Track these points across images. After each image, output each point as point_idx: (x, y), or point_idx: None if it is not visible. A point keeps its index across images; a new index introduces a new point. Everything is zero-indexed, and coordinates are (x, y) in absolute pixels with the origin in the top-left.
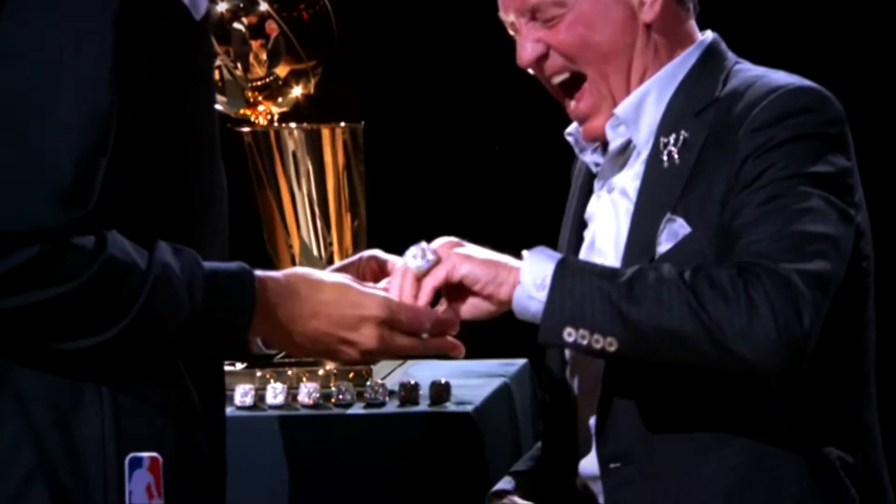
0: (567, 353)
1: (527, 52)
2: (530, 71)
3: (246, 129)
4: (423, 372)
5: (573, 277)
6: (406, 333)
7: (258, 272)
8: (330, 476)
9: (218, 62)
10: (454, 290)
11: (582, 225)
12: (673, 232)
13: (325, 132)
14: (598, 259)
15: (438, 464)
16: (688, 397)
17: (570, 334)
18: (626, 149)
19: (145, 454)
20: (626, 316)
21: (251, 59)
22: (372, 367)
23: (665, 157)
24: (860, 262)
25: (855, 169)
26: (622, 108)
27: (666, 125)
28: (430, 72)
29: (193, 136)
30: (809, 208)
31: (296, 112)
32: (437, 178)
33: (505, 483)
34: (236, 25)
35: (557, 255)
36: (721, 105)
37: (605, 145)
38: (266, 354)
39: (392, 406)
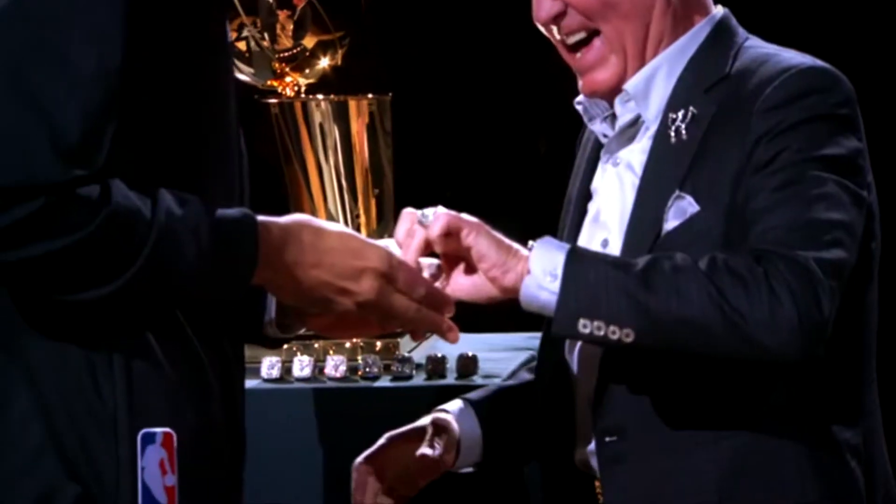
0: None
1: (544, 8)
2: (542, 29)
3: (273, 101)
4: (451, 345)
5: (585, 267)
6: (402, 293)
7: (261, 217)
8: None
9: (245, 33)
10: (458, 266)
11: (587, 198)
12: (681, 209)
13: (353, 104)
14: (601, 233)
15: None
16: (688, 375)
17: (584, 326)
18: (635, 124)
19: (158, 429)
20: (643, 306)
21: (278, 30)
22: (399, 340)
23: (673, 133)
24: (869, 242)
25: (865, 149)
26: (632, 83)
27: (675, 101)
28: (458, 42)
29: (205, 98)
30: (824, 194)
31: (323, 83)
32: (465, 150)
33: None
34: None
35: (566, 245)
36: (731, 82)
37: (614, 116)
38: (282, 338)
39: (419, 379)
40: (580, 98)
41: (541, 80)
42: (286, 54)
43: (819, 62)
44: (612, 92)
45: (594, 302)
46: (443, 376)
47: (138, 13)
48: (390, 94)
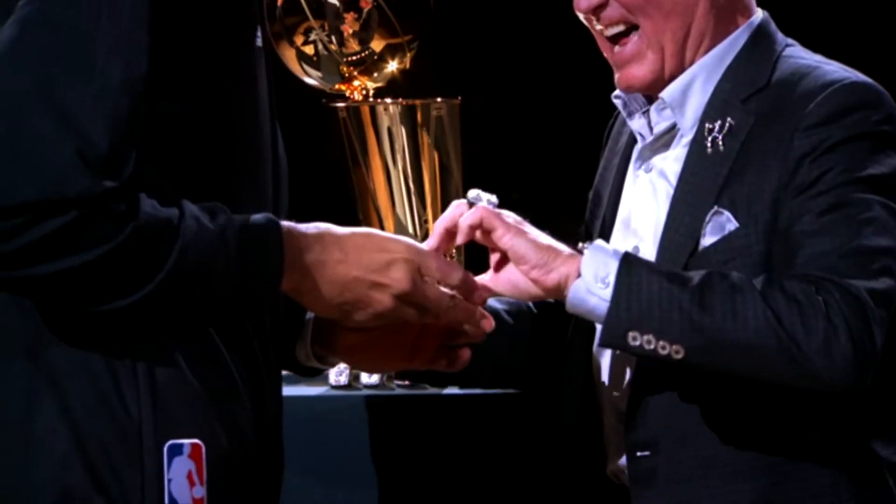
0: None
1: None
2: (582, 18)
3: (341, 105)
4: None
5: (640, 277)
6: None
7: (283, 222)
8: (425, 456)
9: (313, 37)
10: (502, 265)
11: (618, 200)
12: (719, 225)
13: (421, 107)
14: (632, 240)
15: (535, 444)
16: (721, 391)
17: (634, 338)
18: (671, 131)
19: (186, 441)
20: (697, 325)
21: (346, 33)
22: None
23: (709, 144)
24: None
25: None
26: (669, 91)
27: (712, 111)
28: (527, 44)
29: (230, 105)
30: (871, 219)
31: (391, 87)
32: (533, 153)
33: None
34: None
35: (620, 252)
36: (770, 93)
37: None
38: (318, 368)
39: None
40: (618, 92)
41: (610, 82)
42: (354, 58)
43: (862, 77)
44: (647, 87)
45: (647, 315)
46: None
47: (162, 21)
48: (459, 97)
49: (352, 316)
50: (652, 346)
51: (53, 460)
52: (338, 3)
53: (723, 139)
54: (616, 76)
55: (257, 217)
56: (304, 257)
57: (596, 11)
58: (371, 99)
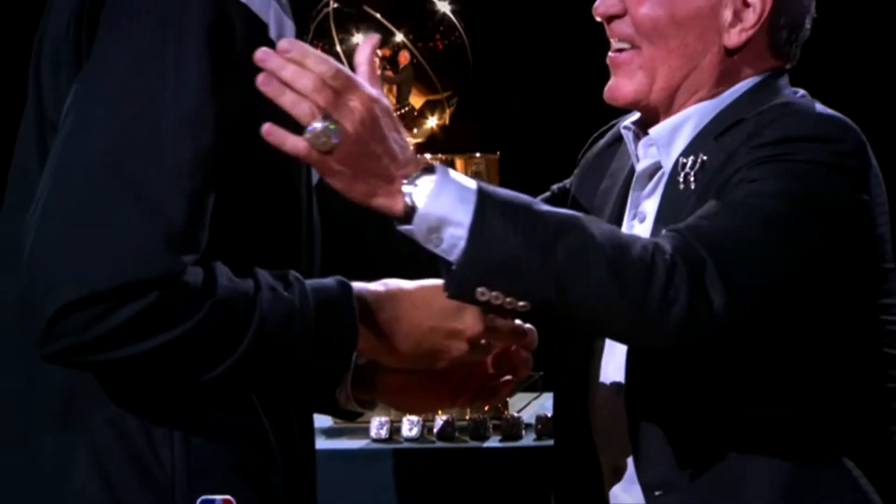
0: (589, 373)
1: (606, 3)
2: (599, 19)
3: None
4: None
5: (492, 232)
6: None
7: (353, 284)
8: None
9: None
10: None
11: None
12: None
13: (460, 162)
14: None
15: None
16: (720, 418)
17: (482, 293)
18: (657, 171)
19: (218, 497)
20: (545, 281)
21: (385, 90)
22: (508, 399)
23: (682, 180)
24: (874, 298)
25: (874, 203)
26: (657, 130)
27: (689, 148)
28: (565, 101)
29: (274, 165)
30: (769, 219)
31: (431, 142)
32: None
33: None
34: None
35: (471, 193)
36: (744, 126)
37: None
38: (356, 412)
39: (529, 439)
40: (628, 123)
41: None
42: (395, 113)
43: (836, 114)
44: (629, 105)
45: (498, 274)
46: (553, 436)
47: (221, 82)
48: (498, 152)
49: (428, 365)
50: (499, 302)
51: None
52: (378, 60)
53: (694, 175)
54: (607, 85)
55: (329, 283)
56: (377, 317)
57: (610, 20)
58: None
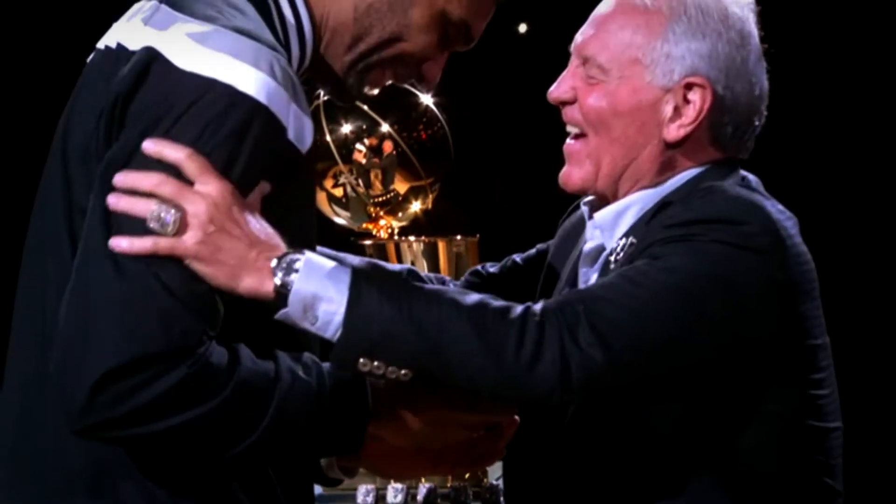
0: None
1: (559, 89)
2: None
3: (368, 242)
4: None
5: (370, 307)
6: None
7: None
8: None
9: (342, 180)
10: None
11: None
12: None
13: (442, 244)
14: None
15: None
16: (655, 492)
17: (364, 364)
18: (602, 251)
19: None
20: (423, 352)
21: (372, 177)
22: (488, 468)
23: (613, 261)
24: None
25: (794, 283)
26: (602, 215)
27: (627, 232)
28: (542, 186)
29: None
30: (653, 289)
31: (414, 226)
32: None
33: None
34: (359, 146)
35: (346, 278)
36: (667, 210)
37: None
38: (339, 479)
39: None
40: (588, 199)
41: None
42: (380, 199)
43: (751, 198)
44: (579, 191)
45: (378, 345)
46: None
47: (247, 191)
48: (477, 235)
49: (430, 445)
50: (381, 371)
51: None
52: (364, 150)
53: (623, 257)
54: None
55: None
56: (389, 402)
57: (563, 104)
58: (396, 237)
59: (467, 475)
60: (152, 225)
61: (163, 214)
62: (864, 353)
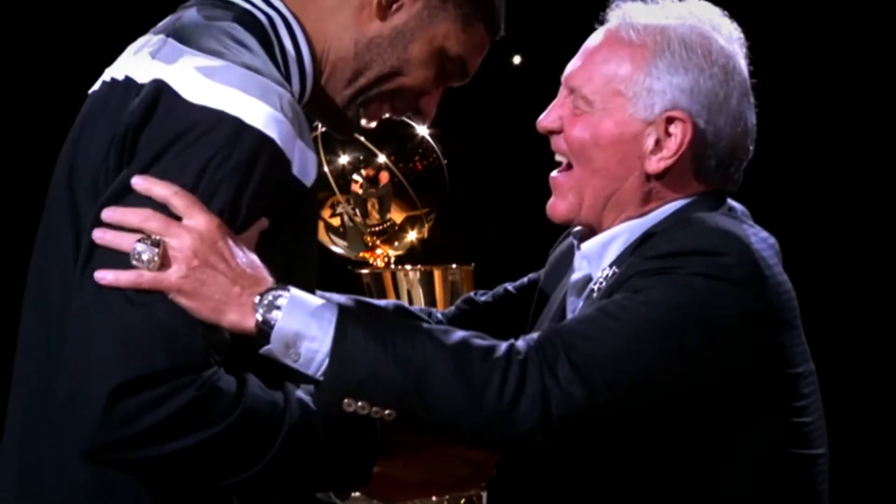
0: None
1: (547, 118)
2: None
3: (365, 271)
4: None
5: (356, 345)
6: None
7: None
8: None
9: (339, 210)
10: None
11: None
12: None
13: (437, 273)
14: None
15: None
16: None
17: (349, 404)
18: (589, 281)
19: None
20: (407, 392)
21: (369, 206)
22: (483, 493)
23: (596, 290)
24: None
25: (772, 312)
26: (589, 245)
27: (613, 262)
28: (536, 215)
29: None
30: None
31: (411, 254)
32: None
33: None
34: (356, 176)
35: (333, 317)
36: (650, 241)
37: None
38: (334, 502)
39: None
40: (577, 229)
41: None
42: (377, 228)
43: (728, 229)
44: (564, 222)
45: (362, 386)
46: None
47: (250, 225)
48: (472, 264)
49: (436, 479)
50: (366, 412)
51: None
52: (361, 180)
53: (605, 287)
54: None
55: None
56: (396, 438)
57: (550, 134)
58: (392, 265)
59: (462, 501)
60: (134, 262)
61: (142, 250)
62: (850, 379)
